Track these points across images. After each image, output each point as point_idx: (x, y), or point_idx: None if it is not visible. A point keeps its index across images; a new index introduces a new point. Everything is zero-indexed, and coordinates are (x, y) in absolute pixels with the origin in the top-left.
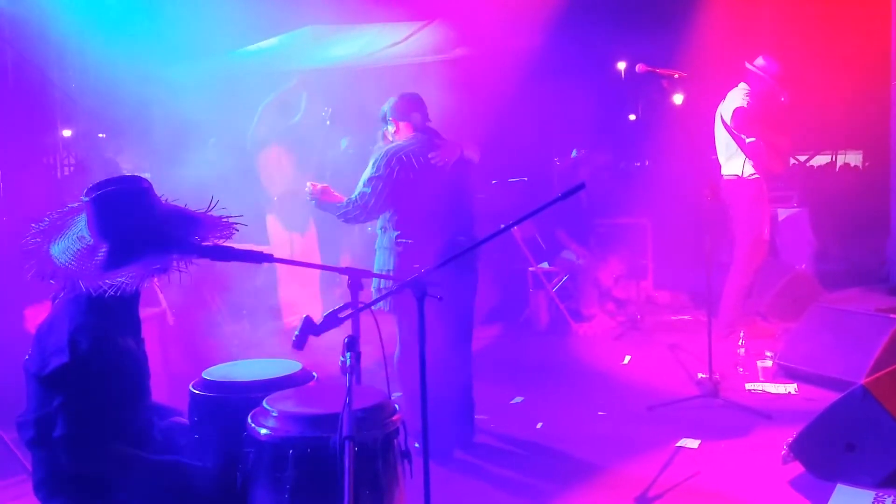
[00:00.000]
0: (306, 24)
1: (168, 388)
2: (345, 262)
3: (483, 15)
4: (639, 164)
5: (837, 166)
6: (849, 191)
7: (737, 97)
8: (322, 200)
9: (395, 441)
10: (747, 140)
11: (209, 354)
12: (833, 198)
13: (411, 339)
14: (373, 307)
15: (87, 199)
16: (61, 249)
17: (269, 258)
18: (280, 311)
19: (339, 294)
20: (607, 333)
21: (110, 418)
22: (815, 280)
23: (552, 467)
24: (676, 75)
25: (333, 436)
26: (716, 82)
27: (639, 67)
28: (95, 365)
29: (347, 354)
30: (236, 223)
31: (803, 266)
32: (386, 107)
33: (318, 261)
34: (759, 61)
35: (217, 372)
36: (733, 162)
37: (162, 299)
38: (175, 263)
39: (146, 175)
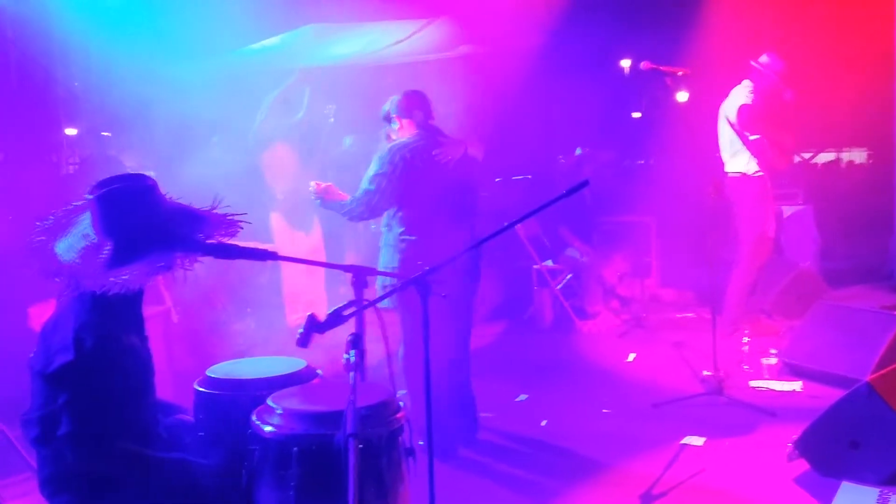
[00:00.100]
0: (309, 23)
1: (173, 385)
2: (349, 259)
3: (486, 13)
4: (643, 161)
5: (842, 164)
6: (853, 188)
7: (741, 95)
8: (326, 199)
9: (400, 438)
10: (751, 137)
11: (214, 352)
12: (837, 195)
13: (415, 336)
14: (377, 305)
15: (91, 197)
16: (66, 247)
17: (273, 256)
18: (284, 309)
19: (344, 292)
20: (611, 331)
21: (115, 416)
22: (820, 277)
23: (556, 465)
24: (680, 73)
25: (338, 433)
26: (720, 80)
27: (643, 65)
28: (100, 363)
29: (352, 352)
30: (240, 221)
31: (808, 263)
32: (388, 105)
33: (322, 258)
34: (764, 59)
35: (222, 369)
36: (737, 159)
37: (167, 297)
38: (179, 261)
39: (150, 173)
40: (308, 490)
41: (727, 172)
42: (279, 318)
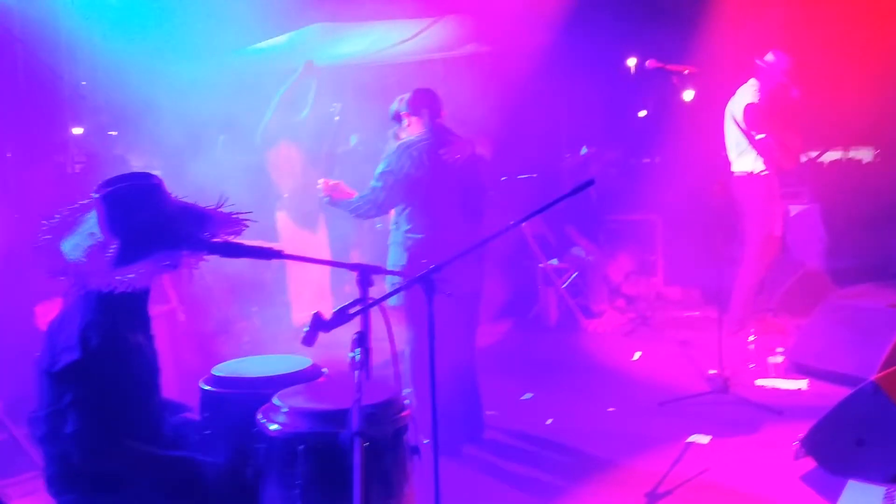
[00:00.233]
0: (316, 22)
1: (178, 384)
2: (354, 258)
3: (492, 12)
4: (648, 160)
5: (849, 162)
6: (860, 187)
7: (747, 94)
8: (335, 197)
9: (405, 437)
10: (758, 137)
11: (219, 351)
12: (844, 194)
13: (421, 335)
14: (383, 303)
15: (97, 195)
16: (72, 246)
17: (278, 254)
18: (290, 308)
19: (350, 290)
20: (617, 330)
21: (121, 414)
22: (826, 276)
23: (562, 463)
24: (686, 71)
25: (343, 431)
26: (726, 78)
27: (649, 63)
28: (106, 361)
29: (357, 350)
30: (246, 219)
31: (814, 262)
32: (398, 103)
33: (328, 257)
34: (769, 57)
35: (227, 368)
36: (744, 158)
37: (172, 296)
38: (185, 260)
39: (156, 172)
40: (313, 488)
41: (734, 172)
42: (285, 316)
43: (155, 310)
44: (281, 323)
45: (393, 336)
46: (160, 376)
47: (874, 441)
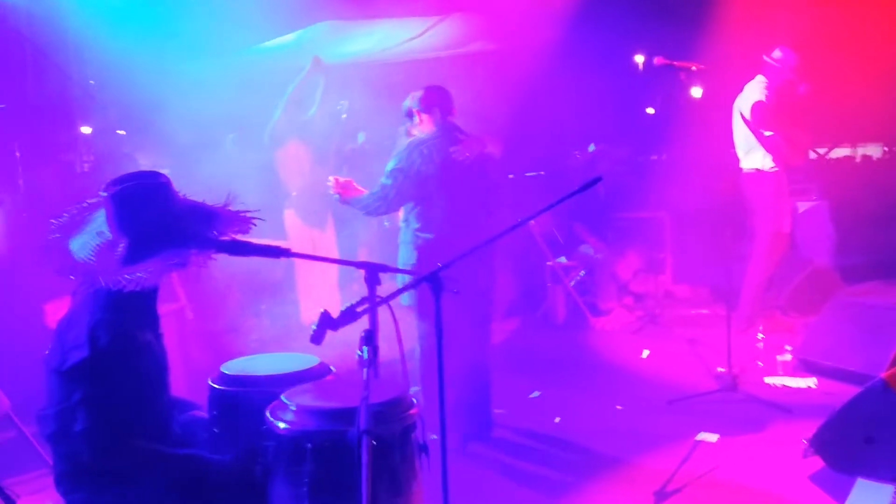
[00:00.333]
0: (323, 20)
1: (187, 382)
2: (362, 256)
3: (499, 9)
4: (657, 157)
5: (857, 159)
6: (869, 183)
7: (755, 91)
8: (345, 195)
9: (413, 434)
10: (766, 134)
11: (228, 349)
12: (853, 190)
13: (432, 333)
14: (390, 301)
15: (106, 194)
16: (80, 245)
17: (286, 253)
18: (298, 306)
19: (357, 289)
20: (625, 328)
21: (130, 412)
22: (835, 273)
23: (570, 461)
24: (694, 68)
25: (351, 429)
26: (734, 75)
27: (657, 60)
28: (115, 359)
29: (365, 348)
30: (254, 218)
31: (823, 259)
32: (410, 100)
33: (336, 255)
34: (777, 53)
35: (236, 366)
36: (753, 155)
37: (181, 294)
38: (194, 258)
39: (165, 171)
40: (322, 486)
41: (742, 168)
42: (293, 314)
43: (164, 308)
44: (289, 321)
45: (401, 334)
46: (169, 374)
47: (883, 439)
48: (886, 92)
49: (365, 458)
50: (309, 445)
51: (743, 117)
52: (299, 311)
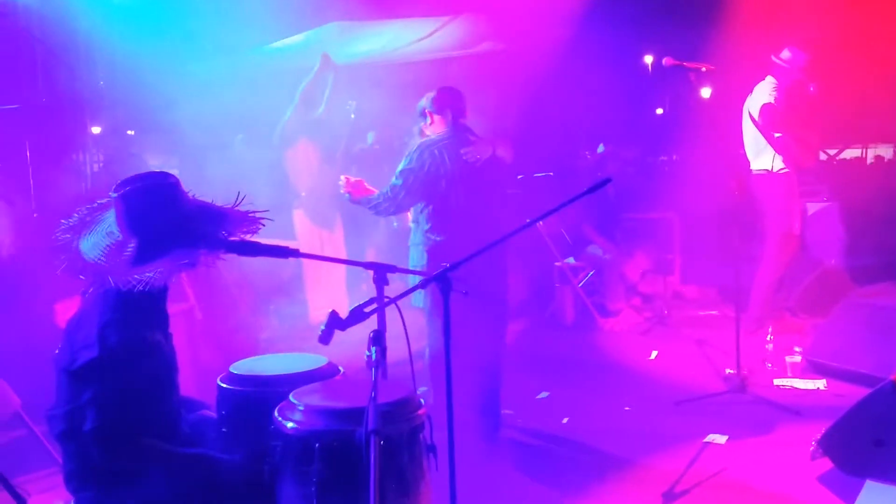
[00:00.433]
0: (332, 21)
1: (196, 382)
2: (371, 256)
3: (509, 10)
4: (666, 158)
5: (868, 160)
6: (879, 184)
7: (764, 92)
8: (356, 195)
9: (421, 435)
10: (776, 135)
11: (236, 349)
12: (863, 191)
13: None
14: (398, 302)
15: (115, 195)
16: (90, 245)
17: (295, 253)
18: (306, 306)
19: (366, 289)
20: (634, 329)
21: (139, 412)
22: (845, 275)
23: (578, 462)
24: (704, 68)
25: (359, 429)
26: (744, 75)
27: (666, 61)
28: (124, 359)
29: (373, 349)
30: (263, 218)
31: (833, 260)
32: (424, 100)
33: (344, 256)
34: (786, 54)
35: (244, 366)
36: (763, 157)
37: (190, 294)
38: (203, 258)
39: (174, 171)
40: (330, 486)
41: (752, 169)
42: (302, 314)
43: (173, 308)
44: (298, 321)
45: (408, 334)
46: (178, 374)
47: (892, 441)
48: None
49: (373, 458)
50: (317, 445)
51: (752, 119)
52: (308, 311)
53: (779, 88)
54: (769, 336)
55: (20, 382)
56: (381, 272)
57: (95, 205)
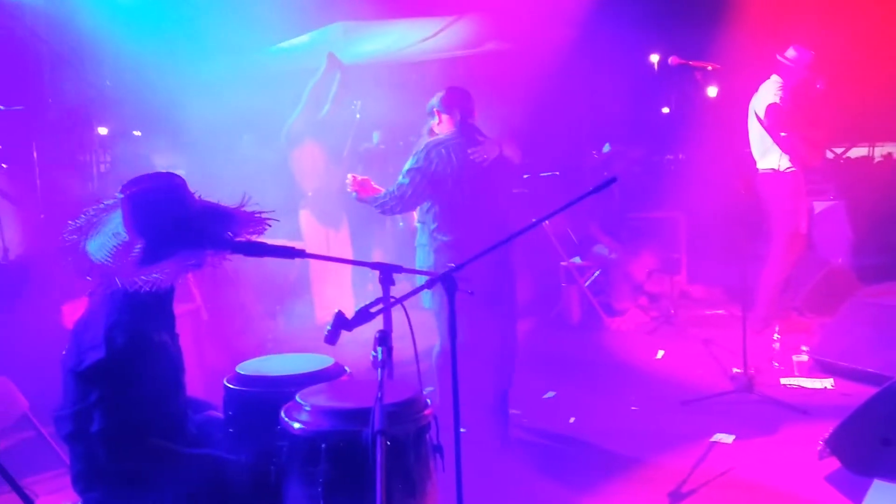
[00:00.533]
0: (337, 21)
1: (203, 382)
2: (377, 257)
3: (514, 9)
4: (672, 157)
5: (875, 158)
6: (887, 183)
7: (769, 92)
8: (362, 193)
9: (427, 435)
10: (781, 135)
11: (243, 349)
12: (870, 190)
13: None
14: (404, 302)
15: (122, 196)
16: (97, 246)
17: (301, 253)
18: (313, 307)
19: (372, 289)
20: (640, 328)
21: (146, 413)
22: (852, 274)
23: (585, 461)
24: (710, 67)
25: (365, 430)
26: (750, 74)
27: (672, 60)
28: (131, 360)
29: (379, 349)
30: (269, 219)
31: (839, 260)
32: (434, 100)
33: (350, 256)
34: (791, 52)
35: (251, 367)
36: (769, 156)
37: (197, 295)
38: (209, 259)
39: (180, 172)
40: (336, 486)
41: (759, 169)
42: (308, 315)
43: (179, 309)
44: (304, 321)
45: (414, 334)
46: (184, 375)
47: None
48: None
49: (379, 458)
50: (323, 445)
51: (758, 118)
52: (314, 311)
53: (784, 87)
54: (776, 335)
55: (27, 384)
56: (386, 272)
57: (102, 206)
